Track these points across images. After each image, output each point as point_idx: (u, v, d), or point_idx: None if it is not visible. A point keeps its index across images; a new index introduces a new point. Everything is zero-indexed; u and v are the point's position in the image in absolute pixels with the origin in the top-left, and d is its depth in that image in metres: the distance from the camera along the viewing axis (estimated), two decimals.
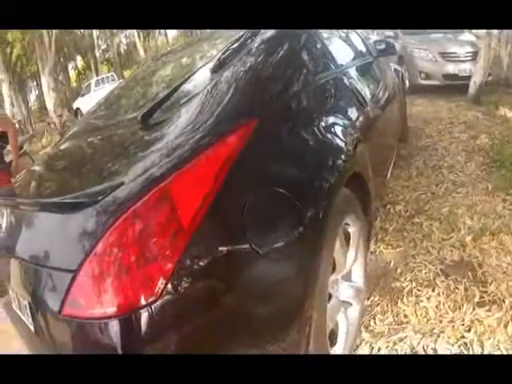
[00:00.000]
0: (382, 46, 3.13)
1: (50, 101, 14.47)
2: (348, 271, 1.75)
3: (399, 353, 1.70)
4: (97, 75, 22.14)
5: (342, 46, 2.62)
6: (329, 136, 1.62)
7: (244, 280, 1.11)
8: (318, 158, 1.51)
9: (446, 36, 7.56)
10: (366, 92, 2.36)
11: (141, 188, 1.04)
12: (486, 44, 5.92)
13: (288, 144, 1.42)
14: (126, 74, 23.18)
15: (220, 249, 1.05)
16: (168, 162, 1.11)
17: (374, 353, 1.73)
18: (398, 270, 2.20)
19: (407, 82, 7.01)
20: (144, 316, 0.95)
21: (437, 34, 7.62)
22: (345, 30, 2.82)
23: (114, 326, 0.96)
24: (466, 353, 1.65)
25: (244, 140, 1.22)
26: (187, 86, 1.61)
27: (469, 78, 6.16)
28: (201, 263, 1.02)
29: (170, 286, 0.97)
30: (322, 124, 1.63)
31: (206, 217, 1.04)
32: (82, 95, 17.54)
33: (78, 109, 16.70)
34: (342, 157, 1.60)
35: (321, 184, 1.42)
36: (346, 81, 2.14)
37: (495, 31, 6.26)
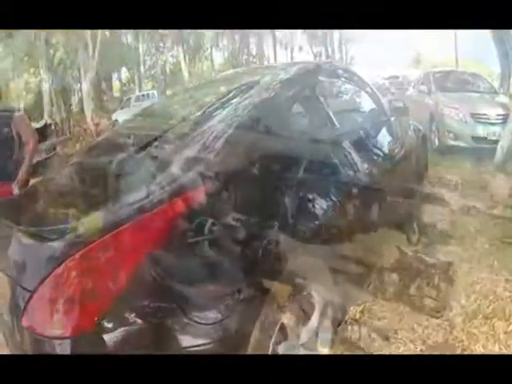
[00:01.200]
0: (400, 105, 3.12)
1: (88, 108, 14.91)
2: (312, 339, 1.69)
3: None
4: (139, 90, 22.74)
5: (347, 107, 2.61)
6: (308, 205, 1.61)
7: (171, 338, 1.18)
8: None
9: (483, 96, 7.44)
10: (366, 157, 2.29)
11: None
12: None
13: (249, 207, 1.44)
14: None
15: (147, 304, 1.15)
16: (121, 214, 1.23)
17: None
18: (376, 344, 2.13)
19: (437, 141, 6.91)
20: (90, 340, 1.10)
21: (471, 93, 7.50)
22: (355, 89, 2.82)
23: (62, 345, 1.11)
24: None
25: (190, 207, 1.29)
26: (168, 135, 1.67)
27: (498, 141, 5.94)
28: (132, 311, 1.13)
29: (108, 320, 1.11)
30: (301, 193, 1.61)
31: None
32: (122, 108, 18.07)
33: (116, 120, 17.17)
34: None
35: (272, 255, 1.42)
36: (341, 145, 2.10)
37: None
